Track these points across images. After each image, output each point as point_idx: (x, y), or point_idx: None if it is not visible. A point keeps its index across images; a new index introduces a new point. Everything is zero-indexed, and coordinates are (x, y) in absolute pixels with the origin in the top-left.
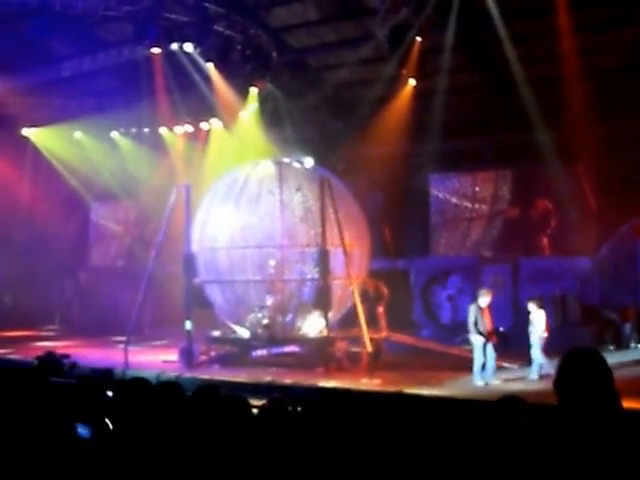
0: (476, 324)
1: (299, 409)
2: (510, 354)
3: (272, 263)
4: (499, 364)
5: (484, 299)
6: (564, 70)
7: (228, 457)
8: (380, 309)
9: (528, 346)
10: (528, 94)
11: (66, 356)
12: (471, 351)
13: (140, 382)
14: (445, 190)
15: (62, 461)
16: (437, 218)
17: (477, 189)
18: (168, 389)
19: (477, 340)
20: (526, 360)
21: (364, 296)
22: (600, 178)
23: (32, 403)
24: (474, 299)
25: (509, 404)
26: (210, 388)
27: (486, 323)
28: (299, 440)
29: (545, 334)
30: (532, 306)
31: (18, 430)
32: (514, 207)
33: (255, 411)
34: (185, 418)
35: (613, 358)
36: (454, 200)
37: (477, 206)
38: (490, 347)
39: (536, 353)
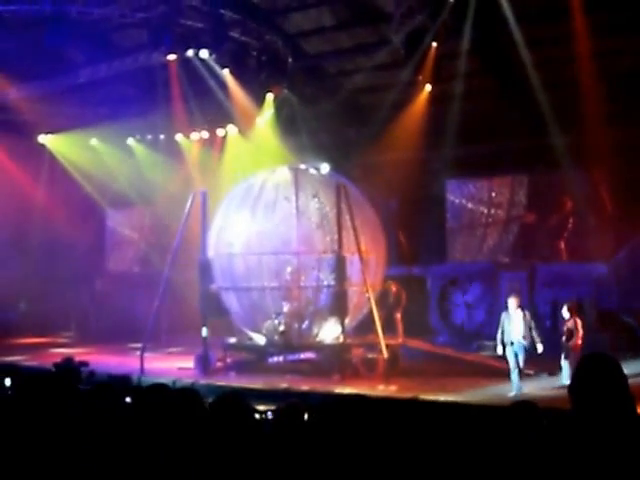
0: (502, 333)
1: (315, 415)
2: (527, 360)
3: (289, 269)
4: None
5: (510, 305)
6: (580, 74)
7: (241, 462)
8: (397, 315)
9: (565, 354)
10: (544, 99)
11: (85, 364)
12: (490, 357)
13: (159, 388)
14: (461, 195)
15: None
16: (453, 223)
17: (493, 194)
18: (186, 395)
19: (499, 350)
20: (545, 367)
21: (382, 302)
22: (617, 183)
23: (51, 409)
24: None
25: (522, 410)
26: (233, 395)
27: (514, 331)
28: (314, 445)
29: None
30: (567, 313)
31: (39, 436)
32: (531, 212)
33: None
34: (206, 424)
35: (630, 363)
36: (470, 205)
37: (493, 211)
38: (520, 356)
39: (572, 360)
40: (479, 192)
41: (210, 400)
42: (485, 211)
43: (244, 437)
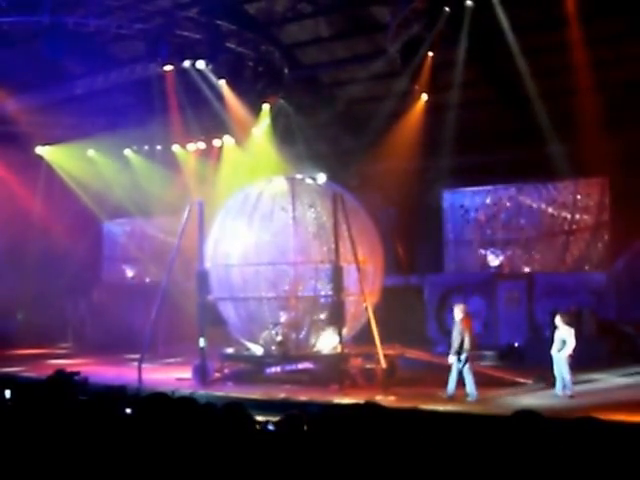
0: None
1: (315, 425)
2: (525, 369)
3: (288, 279)
4: (513, 379)
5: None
6: (577, 83)
7: (242, 471)
8: None
9: (555, 364)
10: (541, 108)
11: (76, 373)
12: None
13: (159, 397)
14: (540, 199)
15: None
16: (449, 235)
17: (578, 197)
18: (185, 404)
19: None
20: (544, 377)
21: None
22: (615, 192)
23: (46, 419)
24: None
25: (524, 418)
26: (235, 405)
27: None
28: (314, 455)
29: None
30: (560, 322)
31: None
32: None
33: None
34: (206, 433)
35: (630, 372)
36: (550, 210)
37: (578, 216)
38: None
39: (564, 370)
40: (556, 195)
41: (210, 411)
42: (568, 216)
43: (246, 446)
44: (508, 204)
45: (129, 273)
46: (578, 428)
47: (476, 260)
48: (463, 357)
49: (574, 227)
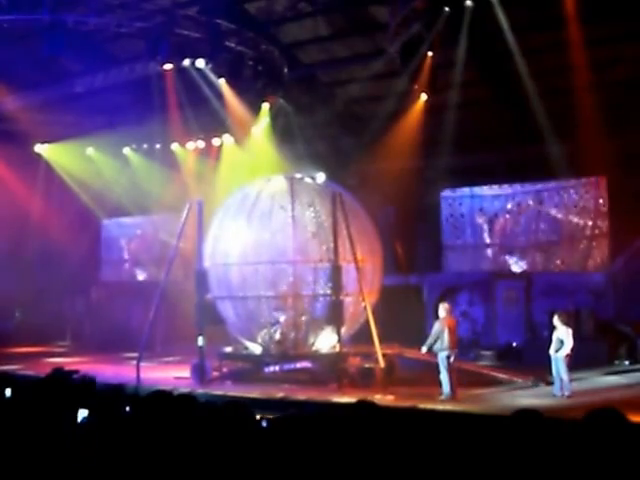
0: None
1: (313, 424)
2: (523, 369)
3: (290, 279)
4: (511, 379)
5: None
6: (576, 83)
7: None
8: None
9: (553, 364)
10: (540, 108)
11: (75, 371)
12: (488, 366)
13: (160, 395)
14: (561, 203)
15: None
16: (449, 236)
17: (601, 201)
18: (186, 402)
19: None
20: (542, 376)
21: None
22: (613, 192)
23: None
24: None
25: (524, 418)
26: (236, 404)
27: None
28: (313, 455)
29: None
30: (558, 322)
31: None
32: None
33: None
34: (208, 431)
35: (628, 372)
36: (571, 217)
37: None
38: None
39: (562, 370)
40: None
41: (211, 409)
42: (590, 223)
43: (246, 446)
44: (528, 209)
45: (140, 276)
46: (590, 424)
47: (496, 265)
48: (443, 355)
49: (596, 232)
